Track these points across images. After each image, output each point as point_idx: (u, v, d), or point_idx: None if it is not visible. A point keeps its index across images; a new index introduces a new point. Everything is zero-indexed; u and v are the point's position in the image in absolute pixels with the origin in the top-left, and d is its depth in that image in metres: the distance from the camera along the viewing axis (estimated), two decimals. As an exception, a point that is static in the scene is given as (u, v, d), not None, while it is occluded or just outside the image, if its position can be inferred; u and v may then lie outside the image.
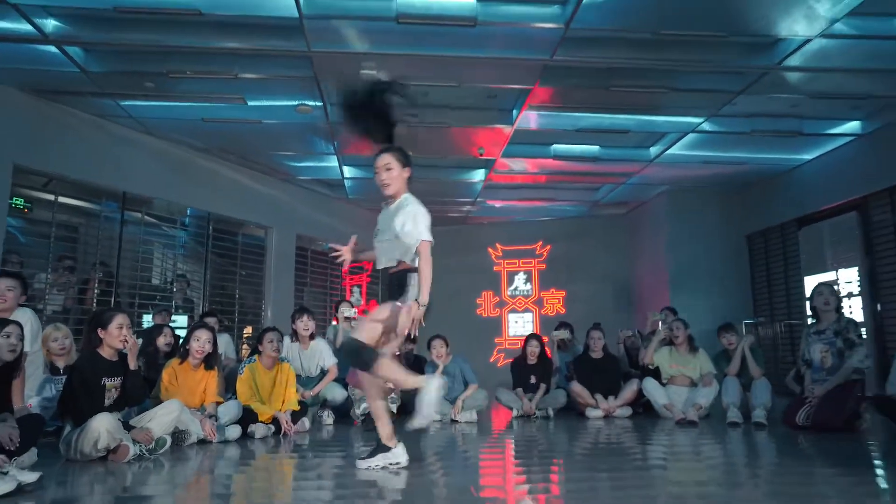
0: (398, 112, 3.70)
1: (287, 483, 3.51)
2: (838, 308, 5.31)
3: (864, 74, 5.84)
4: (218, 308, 8.01)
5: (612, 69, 5.74)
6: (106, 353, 4.09)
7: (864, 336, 7.06)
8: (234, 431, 4.93)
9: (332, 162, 8.32)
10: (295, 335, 6.16)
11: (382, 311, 3.56)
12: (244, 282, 8.84)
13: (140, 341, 4.67)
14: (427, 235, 3.51)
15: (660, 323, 6.94)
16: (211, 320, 6.20)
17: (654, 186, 9.56)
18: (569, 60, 5.51)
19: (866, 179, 7.30)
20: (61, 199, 6.63)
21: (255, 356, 5.49)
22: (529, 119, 6.91)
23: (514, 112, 6.76)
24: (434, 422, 6.11)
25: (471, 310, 11.90)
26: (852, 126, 7.15)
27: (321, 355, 6.15)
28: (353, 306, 6.96)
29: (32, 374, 4.29)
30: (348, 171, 8.70)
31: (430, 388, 3.36)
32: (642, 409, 6.49)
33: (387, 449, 3.55)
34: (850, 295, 7.57)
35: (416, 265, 3.51)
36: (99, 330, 4.05)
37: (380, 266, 3.68)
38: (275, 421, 5.24)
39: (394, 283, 3.57)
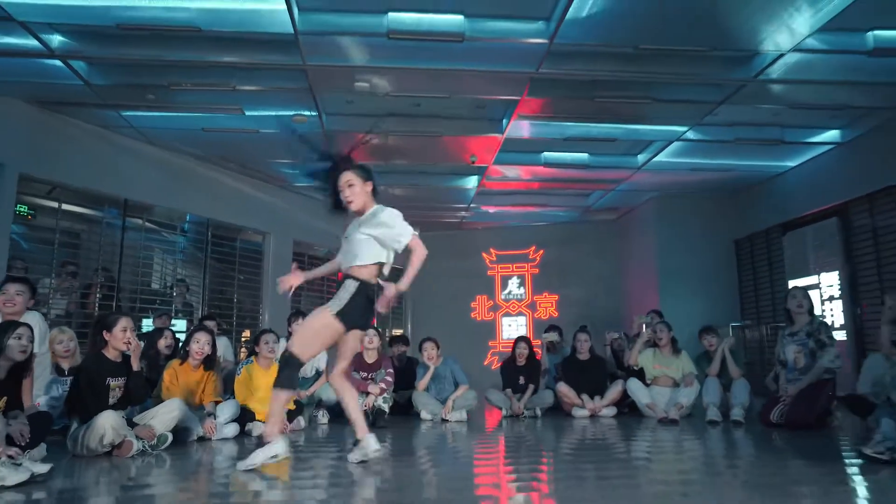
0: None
1: (283, 479, 3.68)
2: (811, 311, 5.54)
3: (839, 86, 6.07)
4: (217, 312, 8.22)
5: (596, 81, 5.96)
6: (111, 354, 4.31)
7: (844, 338, 7.36)
8: (232, 429, 5.15)
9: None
10: (291, 337, 6.35)
11: (311, 318, 3.75)
12: (242, 286, 9.04)
13: (142, 344, 4.88)
14: (412, 229, 3.68)
15: (644, 325, 7.15)
16: (210, 323, 6.40)
17: (643, 192, 9.79)
18: (554, 73, 5.73)
19: (846, 186, 7.53)
20: (65, 207, 6.85)
21: (253, 357, 5.70)
22: (519, 128, 7.13)
23: (504, 121, 6.98)
24: (426, 421, 6.34)
25: (465, 313, 12.13)
26: (832, 135, 7.38)
27: (316, 357, 6.34)
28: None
29: (40, 374, 4.51)
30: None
31: (270, 451, 3.57)
32: (627, 408, 6.69)
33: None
34: (831, 298, 7.78)
35: (355, 274, 3.67)
36: (104, 332, 4.27)
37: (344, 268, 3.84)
38: (272, 420, 5.43)
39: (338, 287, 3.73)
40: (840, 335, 7.49)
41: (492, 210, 10.90)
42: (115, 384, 4.30)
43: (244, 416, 5.32)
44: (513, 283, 12.19)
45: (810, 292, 7.85)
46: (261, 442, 3.69)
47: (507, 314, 12.15)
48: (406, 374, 7.01)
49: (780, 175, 8.70)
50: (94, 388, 4.17)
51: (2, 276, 5.76)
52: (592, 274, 11.51)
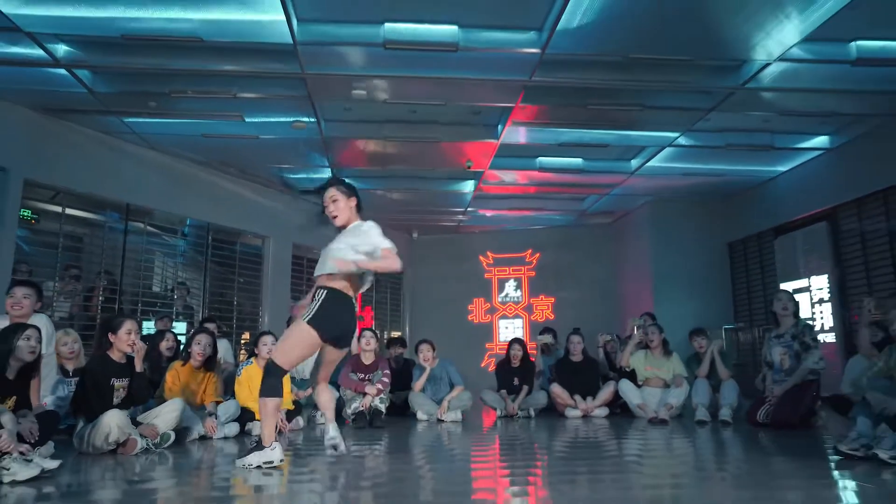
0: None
1: (282, 477, 3.80)
2: (796, 313, 5.68)
3: (826, 94, 6.21)
4: (217, 314, 8.33)
5: (588, 89, 6.10)
6: (115, 356, 4.46)
7: (834, 340, 7.49)
8: (233, 429, 5.29)
9: (326, 173, 8.66)
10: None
11: (290, 329, 3.88)
12: (242, 289, 9.16)
13: (145, 346, 5.02)
14: (386, 244, 3.74)
15: (635, 328, 7.29)
16: (211, 326, 6.53)
17: (637, 197, 9.93)
18: (547, 81, 5.87)
19: (835, 191, 7.67)
20: (68, 211, 6.97)
21: (252, 359, 5.83)
22: (514, 134, 7.25)
23: (500, 127, 7.11)
24: (422, 421, 6.48)
25: (463, 316, 12.26)
26: (821, 140, 7.52)
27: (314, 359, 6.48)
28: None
29: (47, 375, 4.64)
30: (343, 182, 9.04)
31: (266, 457, 3.73)
32: (619, 409, 6.83)
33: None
34: (821, 301, 7.92)
35: (323, 283, 3.78)
36: (109, 334, 4.42)
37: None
38: (271, 420, 5.57)
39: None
40: (829, 337, 7.64)
41: (489, 213, 11.04)
42: (120, 385, 4.45)
43: (244, 415, 5.47)
44: (510, 286, 12.32)
45: (801, 295, 8.05)
46: (259, 441, 3.82)
47: (504, 316, 12.28)
48: (403, 375, 7.16)
49: (771, 180, 8.84)
50: (99, 389, 4.32)
51: (8, 280, 5.90)
52: (588, 276, 11.64)
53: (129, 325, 4.46)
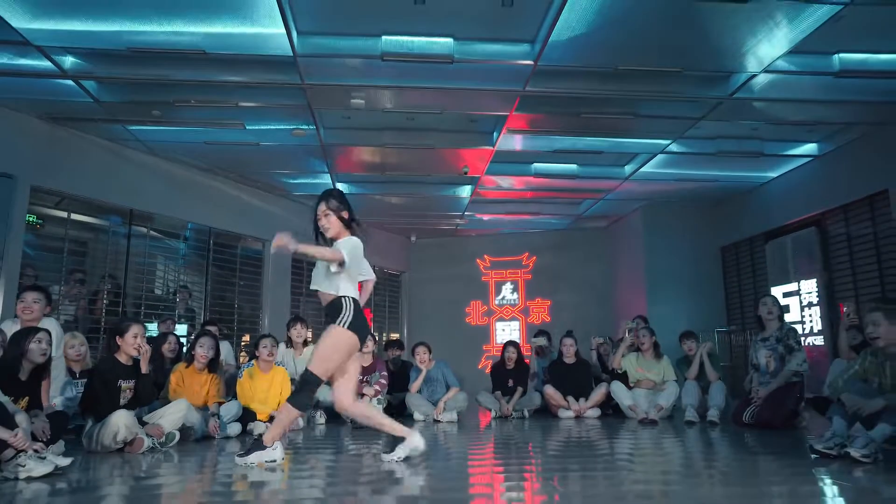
0: None
1: (282, 476, 3.87)
2: (781, 317, 5.86)
3: (812, 104, 6.39)
4: (218, 317, 8.48)
5: (581, 98, 6.27)
6: (122, 358, 4.63)
7: (822, 342, 7.66)
8: (235, 428, 5.46)
9: (326, 179, 8.84)
10: (290, 342, 6.67)
11: (326, 338, 3.96)
12: (243, 292, 9.31)
13: (150, 349, 5.18)
14: (343, 255, 3.85)
15: (628, 330, 7.45)
16: (213, 328, 6.68)
17: (631, 202, 10.10)
18: (540, 91, 6.05)
19: (823, 197, 7.85)
20: (73, 216, 7.14)
21: (253, 361, 5.99)
22: (509, 141, 7.43)
23: (495, 134, 7.27)
24: (418, 422, 6.63)
25: (460, 318, 12.43)
26: (809, 148, 7.70)
27: (307, 360, 6.63)
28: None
29: (56, 377, 4.82)
30: (341, 188, 9.21)
31: (268, 456, 3.89)
32: (611, 410, 6.99)
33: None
34: (809, 304, 8.09)
35: (342, 293, 3.94)
36: (117, 338, 4.59)
37: (312, 286, 4.11)
38: (272, 419, 5.70)
39: (331, 311, 3.97)
40: (818, 340, 7.81)
41: (486, 218, 11.21)
42: (126, 386, 4.62)
43: (246, 416, 5.65)
44: (506, 289, 12.48)
45: (791, 299, 8.23)
46: (259, 440, 3.96)
47: (501, 319, 12.44)
48: (400, 376, 7.32)
49: (762, 185, 9.01)
50: (107, 389, 4.49)
51: (16, 283, 6.07)
52: (584, 280, 11.81)
53: (135, 329, 4.63)
